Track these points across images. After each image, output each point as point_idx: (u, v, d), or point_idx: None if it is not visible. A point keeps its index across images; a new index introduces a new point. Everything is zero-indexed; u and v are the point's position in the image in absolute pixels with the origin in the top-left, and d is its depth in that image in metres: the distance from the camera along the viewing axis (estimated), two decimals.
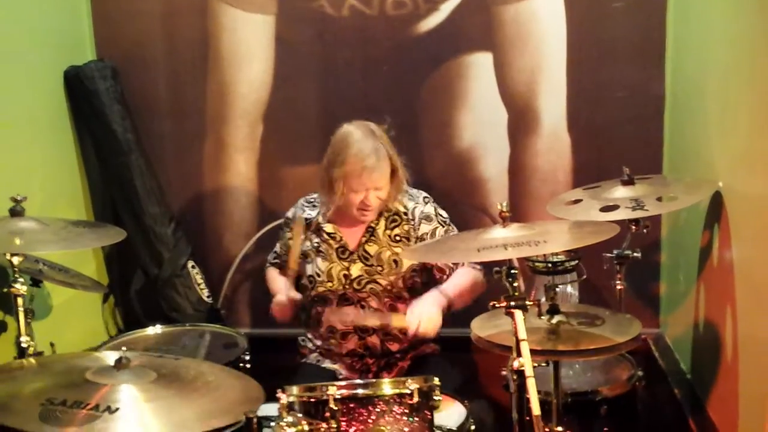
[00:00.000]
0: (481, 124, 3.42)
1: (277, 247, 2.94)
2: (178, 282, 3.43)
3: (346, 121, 2.71)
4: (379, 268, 2.70)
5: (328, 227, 2.73)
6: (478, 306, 2.46)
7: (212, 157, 3.59)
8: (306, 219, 2.78)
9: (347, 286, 2.70)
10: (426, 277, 2.76)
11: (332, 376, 2.71)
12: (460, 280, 2.69)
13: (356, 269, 2.71)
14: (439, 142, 3.45)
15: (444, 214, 2.77)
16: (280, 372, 2.68)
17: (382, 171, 2.60)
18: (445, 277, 2.73)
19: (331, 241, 2.73)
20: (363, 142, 2.60)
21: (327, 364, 2.77)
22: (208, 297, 3.48)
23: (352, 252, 2.72)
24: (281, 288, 2.74)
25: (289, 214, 2.87)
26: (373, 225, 2.72)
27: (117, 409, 1.65)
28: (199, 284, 3.46)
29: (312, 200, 2.84)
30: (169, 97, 3.57)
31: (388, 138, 2.67)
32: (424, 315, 2.54)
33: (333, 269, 2.71)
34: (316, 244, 2.74)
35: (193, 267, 3.48)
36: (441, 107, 3.43)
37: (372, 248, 2.71)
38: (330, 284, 2.71)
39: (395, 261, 2.70)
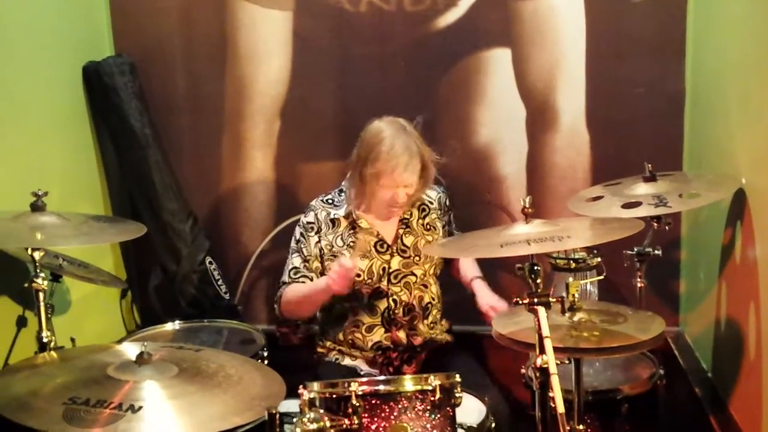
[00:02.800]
0: (499, 120, 3.41)
1: (297, 261, 2.71)
2: (196, 278, 3.43)
3: (363, 118, 2.68)
4: (417, 258, 2.70)
5: (363, 222, 2.71)
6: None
7: (230, 154, 3.59)
8: (332, 220, 2.72)
9: (382, 279, 2.69)
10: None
11: (353, 374, 2.70)
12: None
13: (395, 263, 2.69)
14: (457, 139, 3.43)
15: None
16: (298, 368, 2.68)
17: (414, 169, 2.59)
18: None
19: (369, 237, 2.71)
20: (395, 138, 2.57)
21: (347, 362, 2.76)
22: (225, 293, 3.48)
23: (390, 246, 2.71)
24: (320, 278, 2.65)
25: (310, 218, 2.71)
26: (407, 216, 2.72)
27: (140, 407, 1.65)
28: (216, 280, 3.46)
29: (330, 200, 2.75)
30: (187, 92, 3.57)
31: (419, 133, 2.65)
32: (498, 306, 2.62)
33: (373, 265, 2.69)
34: (351, 243, 2.70)
35: (210, 263, 3.48)
36: (459, 103, 3.42)
37: (408, 240, 2.71)
38: (370, 280, 2.69)
39: None
